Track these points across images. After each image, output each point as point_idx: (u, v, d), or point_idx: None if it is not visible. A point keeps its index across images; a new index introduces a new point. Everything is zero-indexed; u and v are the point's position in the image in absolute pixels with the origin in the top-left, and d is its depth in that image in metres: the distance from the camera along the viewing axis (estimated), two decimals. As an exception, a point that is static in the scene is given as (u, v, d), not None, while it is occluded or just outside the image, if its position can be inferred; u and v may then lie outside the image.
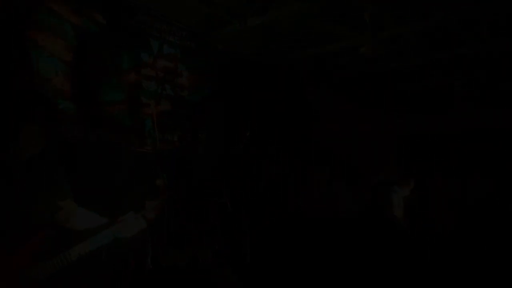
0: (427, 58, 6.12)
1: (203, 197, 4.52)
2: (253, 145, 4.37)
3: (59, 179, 2.42)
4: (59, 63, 4.06)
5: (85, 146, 4.17)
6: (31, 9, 3.85)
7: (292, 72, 6.84)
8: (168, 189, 3.33)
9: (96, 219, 2.48)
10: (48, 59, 3.96)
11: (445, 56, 6.02)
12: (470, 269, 4.70)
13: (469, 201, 5.87)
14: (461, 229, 5.58)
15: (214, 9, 4.87)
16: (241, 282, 4.12)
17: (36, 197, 2.27)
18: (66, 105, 4.08)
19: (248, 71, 6.22)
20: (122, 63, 4.69)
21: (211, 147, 5.52)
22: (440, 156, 8.18)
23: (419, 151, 8.68)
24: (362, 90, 7.88)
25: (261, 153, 5.54)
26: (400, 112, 9.26)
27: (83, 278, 3.02)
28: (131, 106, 4.73)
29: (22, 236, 2.13)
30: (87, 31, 4.30)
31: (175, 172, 3.74)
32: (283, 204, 5.64)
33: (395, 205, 5.15)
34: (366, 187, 7.97)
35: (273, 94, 6.53)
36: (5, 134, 2.24)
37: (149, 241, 3.64)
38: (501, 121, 7.71)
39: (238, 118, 5.78)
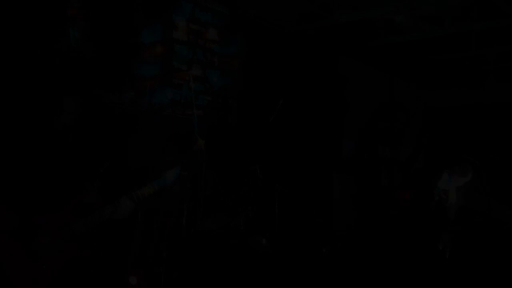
0: (462, 28, 5.88)
1: (236, 166, 4.50)
2: (284, 115, 4.30)
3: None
4: (91, 33, 4.02)
5: (122, 111, 4.17)
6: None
7: (323, 42, 6.68)
8: (205, 155, 3.33)
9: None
10: (82, 29, 3.95)
11: (480, 27, 5.79)
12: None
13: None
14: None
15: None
16: (271, 247, 4.17)
17: (78, 159, 2.37)
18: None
19: (278, 39, 6.08)
20: (155, 29, 4.60)
21: (241, 115, 5.47)
22: (468, 131, 8.00)
23: (447, 125, 8.53)
24: (393, 60, 7.69)
25: (291, 122, 5.47)
26: (430, 84, 9.08)
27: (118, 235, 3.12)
28: (164, 73, 4.68)
29: (67, 194, 2.26)
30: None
31: (207, 140, 3.70)
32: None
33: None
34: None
35: (303, 63, 6.40)
36: (50, 102, 2.32)
37: (185, 206, 3.65)
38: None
39: (269, 87, 5.69)
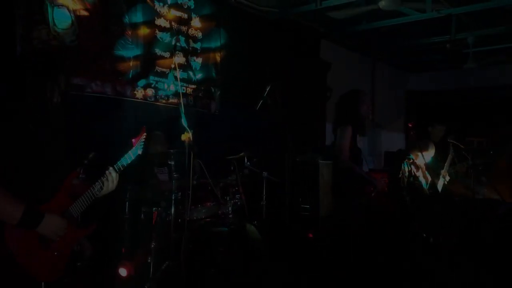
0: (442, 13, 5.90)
1: (223, 155, 4.47)
2: (271, 102, 4.26)
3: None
4: (71, 15, 3.90)
5: (102, 100, 4.10)
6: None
7: (305, 28, 6.65)
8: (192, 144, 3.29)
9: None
10: (61, 10, 3.83)
11: (461, 11, 5.84)
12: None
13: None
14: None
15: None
16: (260, 234, 4.19)
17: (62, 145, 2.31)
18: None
19: (260, 25, 6.02)
20: (136, 15, 4.49)
21: (226, 103, 5.42)
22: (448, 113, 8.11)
23: (428, 108, 8.64)
24: (375, 46, 7.72)
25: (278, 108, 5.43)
26: (411, 67, 9.15)
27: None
28: (146, 61, 4.59)
29: (60, 179, 2.19)
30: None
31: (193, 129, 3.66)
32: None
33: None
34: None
35: (286, 49, 6.36)
36: (30, 85, 2.20)
37: (173, 196, 3.62)
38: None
39: (253, 74, 5.64)
